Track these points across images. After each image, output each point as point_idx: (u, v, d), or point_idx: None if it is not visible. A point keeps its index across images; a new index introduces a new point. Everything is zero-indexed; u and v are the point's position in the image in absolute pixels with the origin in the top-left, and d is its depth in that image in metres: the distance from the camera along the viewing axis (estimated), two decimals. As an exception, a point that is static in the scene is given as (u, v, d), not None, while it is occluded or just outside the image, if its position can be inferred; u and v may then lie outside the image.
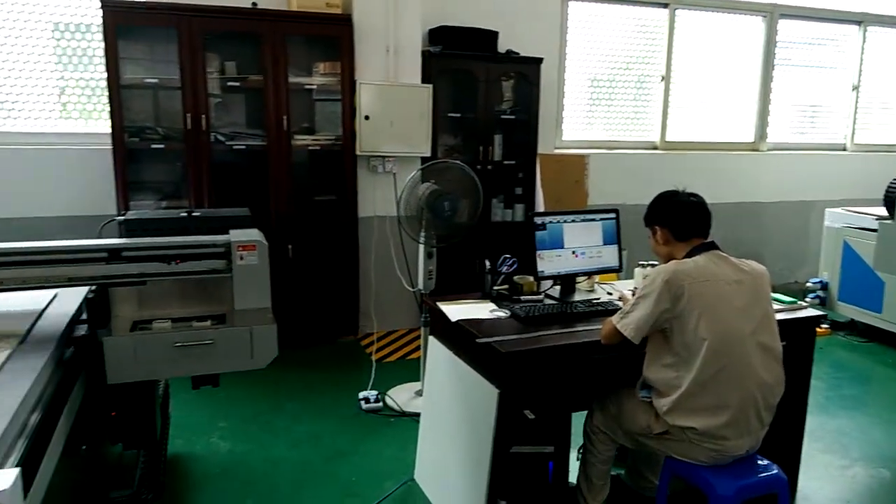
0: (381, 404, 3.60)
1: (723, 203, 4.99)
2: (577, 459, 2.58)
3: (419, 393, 3.68)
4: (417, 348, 4.41)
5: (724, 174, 5.95)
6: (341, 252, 4.44)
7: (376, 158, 4.49)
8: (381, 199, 4.56)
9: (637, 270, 2.91)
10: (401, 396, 3.67)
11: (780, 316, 2.39)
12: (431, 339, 2.79)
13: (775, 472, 2.23)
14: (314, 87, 4.36)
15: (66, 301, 2.28)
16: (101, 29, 3.75)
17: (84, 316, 2.19)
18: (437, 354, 2.71)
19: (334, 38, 4.24)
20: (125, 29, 3.83)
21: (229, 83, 4.09)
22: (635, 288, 2.76)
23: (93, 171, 4.12)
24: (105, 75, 3.77)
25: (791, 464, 2.76)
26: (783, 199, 6.27)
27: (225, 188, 4.13)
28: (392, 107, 4.39)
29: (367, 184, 4.53)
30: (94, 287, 2.19)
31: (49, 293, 2.29)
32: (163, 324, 2.10)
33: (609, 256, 2.90)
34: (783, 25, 6.11)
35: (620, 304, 2.61)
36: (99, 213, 4.15)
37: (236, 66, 4.10)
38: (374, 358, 4.17)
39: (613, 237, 2.91)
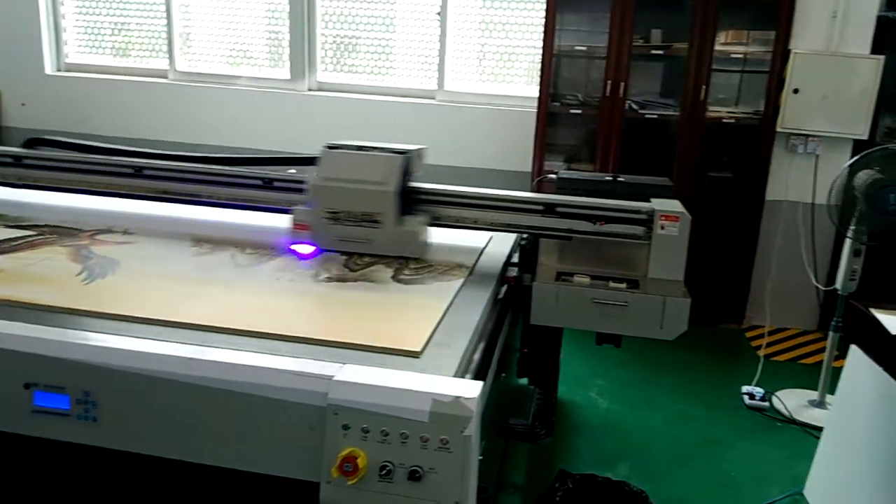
0: (767, 404, 3.34)
1: None
2: None
3: (814, 402, 3.32)
4: (815, 352, 3.97)
5: None
6: (737, 234, 4.17)
7: (798, 137, 4.06)
8: (795, 182, 4.13)
9: None
10: (790, 401, 3.35)
11: None
12: (853, 349, 2.45)
13: None
14: (739, 55, 4.11)
15: (498, 244, 2.58)
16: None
17: (514, 260, 2.46)
18: (860, 368, 2.38)
19: (771, 3, 3.91)
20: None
21: (652, 51, 4.09)
22: None
23: (514, 131, 4.55)
24: (517, 42, 4.08)
25: None
26: None
27: (630, 156, 4.19)
28: (828, 80, 3.89)
29: (782, 164, 4.14)
30: (526, 235, 2.43)
31: (486, 235, 2.62)
32: (582, 279, 2.23)
33: None
34: None
35: None
36: (512, 170, 4.62)
37: (662, 33, 4.07)
38: (761, 353, 3.87)
39: None
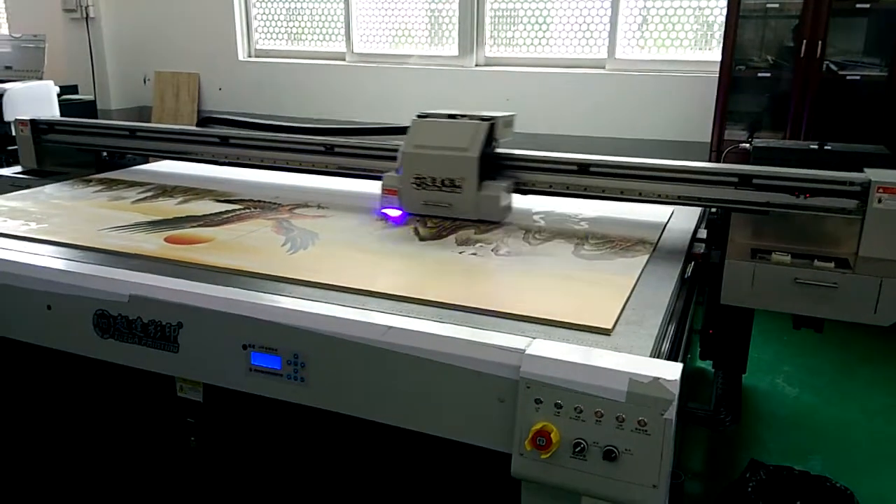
0: None
1: None
2: None
3: None
4: None
5: None
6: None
7: None
8: None
9: None
10: None
11: None
12: None
13: None
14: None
15: (682, 219, 2.45)
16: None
17: (700, 235, 2.32)
18: None
19: None
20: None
21: (857, 5, 3.65)
22: None
23: (690, 99, 4.29)
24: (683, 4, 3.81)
25: None
26: None
27: (824, 122, 3.79)
28: None
29: None
30: (715, 210, 2.28)
31: (667, 209, 2.49)
32: (782, 256, 2.06)
33: None
34: None
35: None
36: (685, 140, 4.37)
37: (870, -16, 3.63)
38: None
39: None
